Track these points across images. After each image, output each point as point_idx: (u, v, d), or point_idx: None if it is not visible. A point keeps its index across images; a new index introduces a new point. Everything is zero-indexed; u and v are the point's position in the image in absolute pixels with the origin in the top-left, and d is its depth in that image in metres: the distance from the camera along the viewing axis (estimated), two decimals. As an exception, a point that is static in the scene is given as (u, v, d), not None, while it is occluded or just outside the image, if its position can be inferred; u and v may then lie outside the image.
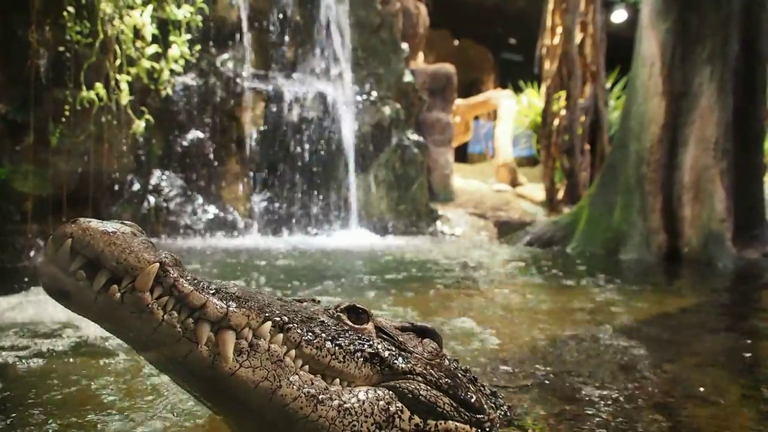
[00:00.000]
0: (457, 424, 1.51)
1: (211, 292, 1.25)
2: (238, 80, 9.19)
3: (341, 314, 1.53)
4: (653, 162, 8.22)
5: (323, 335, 1.41)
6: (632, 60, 8.86)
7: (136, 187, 8.07)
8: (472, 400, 1.58)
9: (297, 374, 1.32)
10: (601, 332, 3.18)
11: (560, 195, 14.71)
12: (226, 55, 9.34)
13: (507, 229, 11.52)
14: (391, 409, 1.41)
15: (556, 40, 14.44)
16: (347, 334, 1.47)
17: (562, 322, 3.58)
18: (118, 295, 1.12)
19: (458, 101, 17.16)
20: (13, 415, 1.82)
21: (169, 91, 8.19)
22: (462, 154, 21.92)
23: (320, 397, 1.32)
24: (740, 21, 8.15)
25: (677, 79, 8.20)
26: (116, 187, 7.80)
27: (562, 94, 14.57)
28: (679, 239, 7.84)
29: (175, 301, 1.18)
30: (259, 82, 9.54)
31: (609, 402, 1.97)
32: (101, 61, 6.98)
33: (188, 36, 8.09)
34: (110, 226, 1.15)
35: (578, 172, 14.54)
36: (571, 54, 14.22)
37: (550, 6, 14.50)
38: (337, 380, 1.40)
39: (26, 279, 4.62)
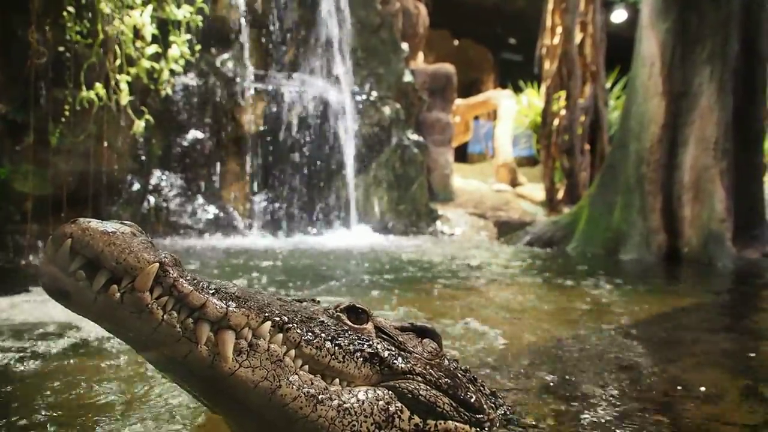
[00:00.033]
0: (457, 424, 1.51)
1: (211, 292, 1.25)
2: (238, 80, 9.19)
3: (341, 314, 1.53)
4: (653, 162, 8.22)
5: (323, 335, 1.41)
6: (632, 60, 8.86)
7: (136, 187, 8.07)
8: (472, 400, 1.58)
9: (296, 374, 1.32)
10: (602, 332, 3.19)
11: (560, 195, 14.72)
12: (226, 55, 9.34)
13: (507, 229, 11.53)
14: (390, 409, 1.41)
15: (556, 40, 14.44)
16: (347, 334, 1.47)
17: (563, 322, 3.58)
18: (118, 295, 1.12)
19: (458, 101, 17.16)
20: (13, 416, 1.82)
21: (169, 91, 8.19)
22: (462, 154, 21.93)
23: (320, 396, 1.32)
24: (740, 21, 8.15)
25: (677, 79, 8.20)
26: (116, 187, 7.80)
27: (562, 94, 14.57)
28: (679, 239, 7.84)
29: (174, 301, 1.18)
30: (259, 82, 9.54)
31: (609, 402, 1.97)
32: (101, 61, 6.98)
33: (188, 36, 8.08)
34: (110, 226, 1.15)
35: (578, 172, 14.54)
36: (571, 54, 14.22)
37: (550, 6, 14.51)
38: (337, 380, 1.40)
39: (26, 279, 4.62)
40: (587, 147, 15.06)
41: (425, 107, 13.35)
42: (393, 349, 1.53)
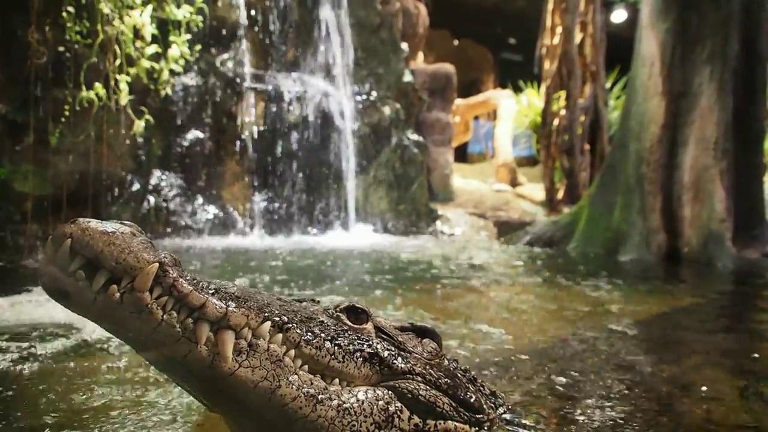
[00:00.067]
0: (457, 424, 1.51)
1: (211, 292, 1.25)
2: (238, 80, 9.19)
3: (341, 314, 1.53)
4: (653, 162, 8.22)
5: (322, 335, 1.41)
6: (632, 60, 8.85)
7: (136, 187, 8.07)
8: (472, 400, 1.58)
9: (296, 374, 1.32)
10: (602, 332, 3.19)
11: (560, 195, 14.72)
12: (226, 55, 9.34)
13: (507, 229, 11.52)
14: (390, 408, 1.41)
15: (556, 40, 14.44)
16: (346, 334, 1.47)
17: (564, 322, 3.58)
18: (118, 295, 1.13)
19: (458, 101, 17.16)
20: (13, 417, 1.82)
21: (169, 91, 8.19)
22: (462, 154, 21.93)
23: (319, 396, 1.32)
24: (740, 21, 8.15)
25: (677, 79, 8.20)
26: (116, 187, 7.81)
27: (562, 94, 14.57)
28: (679, 239, 7.84)
29: (174, 301, 1.18)
30: (259, 82, 9.54)
31: (609, 402, 1.97)
32: (101, 61, 6.98)
33: (188, 36, 8.09)
34: (109, 226, 1.15)
35: (578, 172, 14.54)
36: (570, 54, 14.22)
37: (550, 6, 14.50)
38: (337, 380, 1.40)
39: (26, 279, 4.62)
40: (587, 147, 15.06)
41: (425, 107, 13.35)
42: (393, 349, 1.53)
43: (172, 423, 1.76)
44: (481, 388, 1.72)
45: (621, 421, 1.78)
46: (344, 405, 1.34)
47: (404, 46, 12.33)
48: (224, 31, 9.35)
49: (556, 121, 14.72)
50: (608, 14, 19.80)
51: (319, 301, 1.65)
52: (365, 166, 10.58)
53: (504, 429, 1.64)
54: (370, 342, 1.49)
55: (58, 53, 6.77)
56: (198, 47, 8.45)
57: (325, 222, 9.76)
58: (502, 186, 16.10)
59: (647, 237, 7.98)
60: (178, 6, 8.01)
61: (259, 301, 1.34)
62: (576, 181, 14.52)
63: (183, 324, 1.19)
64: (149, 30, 7.27)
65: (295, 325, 1.37)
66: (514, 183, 16.73)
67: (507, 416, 1.72)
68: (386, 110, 11.00)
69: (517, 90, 19.13)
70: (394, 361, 1.49)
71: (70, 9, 6.60)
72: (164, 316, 1.16)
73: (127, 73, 7.19)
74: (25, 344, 2.65)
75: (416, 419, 1.44)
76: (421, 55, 15.71)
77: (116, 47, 7.06)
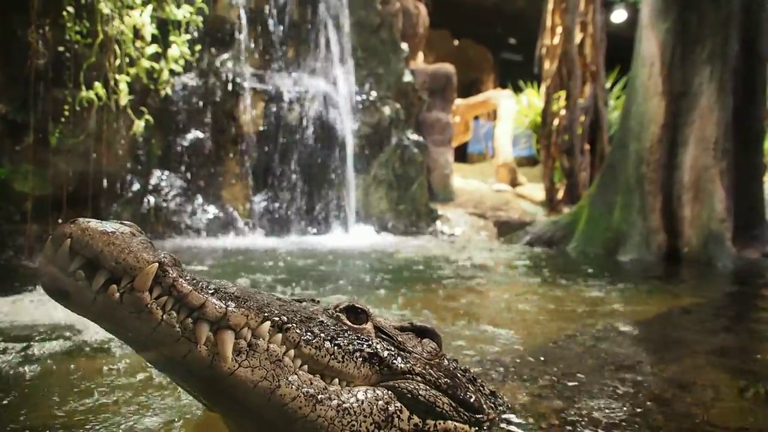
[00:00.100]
0: (456, 423, 1.51)
1: (210, 291, 1.25)
2: (238, 80, 9.19)
3: (340, 314, 1.53)
4: (653, 162, 8.22)
5: (322, 335, 1.41)
6: (632, 60, 8.86)
7: (136, 187, 8.08)
8: (471, 400, 1.58)
9: (296, 374, 1.32)
10: (602, 332, 3.19)
11: (560, 195, 14.72)
12: (226, 55, 9.34)
13: (507, 229, 11.52)
14: (389, 408, 1.41)
15: (556, 40, 14.44)
16: (346, 334, 1.47)
17: (565, 322, 3.59)
18: (117, 294, 1.13)
19: (458, 101, 17.16)
20: (14, 418, 1.82)
21: (169, 91, 8.19)
22: (462, 154, 21.93)
23: (319, 396, 1.32)
24: (740, 21, 8.15)
25: (677, 79, 8.20)
26: (116, 187, 7.81)
27: (562, 94, 14.57)
28: (678, 239, 7.84)
29: (174, 301, 1.18)
30: (259, 82, 9.54)
31: (609, 402, 1.97)
32: (101, 61, 6.98)
33: (188, 36, 8.09)
34: (109, 226, 1.15)
35: (578, 172, 14.54)
36: (570, 54, 14.22)
37: (550, 6, 14.51)
38: (336, 380, 1.40)
39: (26, 279, 4.62)
40: (587, 147, 15.06)
41: (425, 107, 13.35)
42: (392, 349, 1.53)
43: (173, 423, 1.76)
44: (481, 388, 1.72)
45: (621, 422, 1.78)
46: (344, 405, 1.34)
47: (404, 46, 12.34)
48: (224, 31, 9.35)
49: (556, 121, 14.72)
50: (608, 14, 19.80)
51: (318, 301, 1.65)
52: (365, 166, 10.58)
53: (504, 429, 1.64)
54: (370, 342, 1.49)
55: (58, 53, 6.77)
56: (198, 47, 8.45)
57: (325, 222, 9.76)
58: (502, 186, 16.10)
59: (647, 237, 7.98)
60: (178, 6, 8.01)
61: (258, 301, 1.34)
62: (576, 181, 14.52)
63: (183, 324, 1.19)
64: (149, 30, 7.27)
65: (294, 325, 1.37)
66: (514, 183, 16.73)
67: (507, 416, 1.72)
68: (386, 110, 11.00)
69: (517, 90, 19.13)
70: (394, 361, 1.49)
71: (70, 9, 6.60)
72: (164, 316, 1.17)
73: (127, 73, 7.20)
74: (25, 345, 2.65)
75: (416, 419, 1.44)
76: (421, 55, 15.71)
77: (116, 47, 7.06)
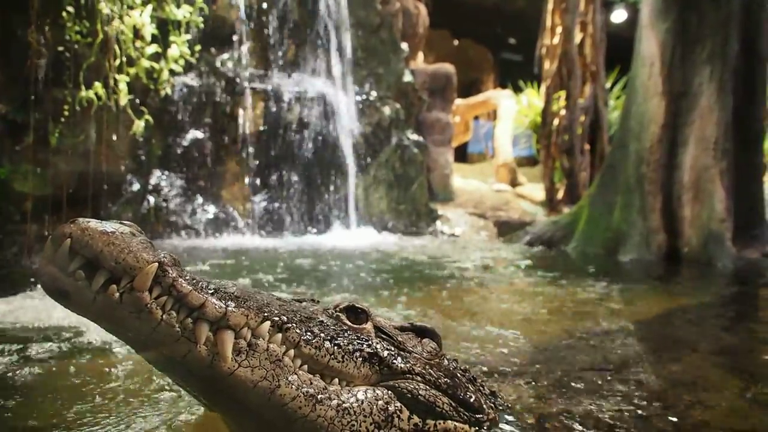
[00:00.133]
0: (456, 423, 1.51)
1: (210, 291, 1.25)
2: (238, 80, 9.19)
3: (340, 314, 1.53)
4: (653, 162, 8.22)
5: (322, 335, 1.41)
6: (632, 60, 8.85)
7: (136, 187, 8.07)
8: (471, 400, 1.58)
9: (296, 374, 1.32)
10: (603, 332, 3.19)
11: (560, 195, 14.71)
12: (225, 55, 9.34)
13: (507, 229, 11.52)
14: (389, 408, 1.41)
15: (556, 40, 14.44)
16: (346, 334, 1.47)
17: (566, 323, 3.59)
18: (117, 294, 1.13)
19: (458, 101, 17.16)
20: (14, 419, 1.82)
21: (169, 91, 8.19)
22: (462, 154, 21.93)
23: (319, 396, 1.32)
24: (740, 21, 8.14)
25: (677, 79, 8.19)
26: (116, 187, 7.80)
27: (562, 94, 14.57)
28: (679, 239, 7.84)
29: (173, 301, 1.18)
30: (259, 82, 9.54)
31: (609, 401, 1.97)
32: (100, 61, 6.98)
33: (188, 36, 8.09)
34: (109, 226, 1.15)
35: (578, 172, 14.54)
36: (570, 54, 14.22)
37: (550, 6, 14.50)
38: (336, 380, 1.40)
39: (26, 279, 4.62)
40: (587, 147, 15.05)
41: (425, 107, 13.35)
42: (392, 348, 1.53)
43: (173, 423, 1.76)
44: (481, 388, 1.72)
45: (621, 422, 1.78)
46: (343, 405, 1.34)
47: (404, 46, 12.33)
48: (224, 31, 9.35)
49: (556, 121, 14.71)
50: (608, 14, 19.80)
51: (318, 301, 1.65)
52: (365, 166, 10.58)
53: (504, 429, 1.64)
54: (370, 342, 1.49)
55: (57, 53, 6.77)
56: (198, 47, 8.45)
57: (325, 222, 9.76)
58: (502, 186, 16.10)
59: (647, 237, 7.98)
60: (178, 6, 8.01)
61: (258, 300, 1.34)
62: (576, 181, 14.52)
63: (182, 324, 1.19)
64: (149, 30, 7.27)
65: (294, 324, 1.37)
66: (514, 183, 16.72)
67: (507, 416, 1.72)
68: (386, 110, 11.00)
69: (517, 90, 19.12)
70: (394, 361, 1.49)
71: (70, 9, 6.60)
72: (164, 316, 1.17)
73: (127, 73, 7.19)
74: (26, 345, 2.65)
75: (416, 419, 1.44)
76: (421, 55, 15.71)
77: (116, 47, 7.06)
